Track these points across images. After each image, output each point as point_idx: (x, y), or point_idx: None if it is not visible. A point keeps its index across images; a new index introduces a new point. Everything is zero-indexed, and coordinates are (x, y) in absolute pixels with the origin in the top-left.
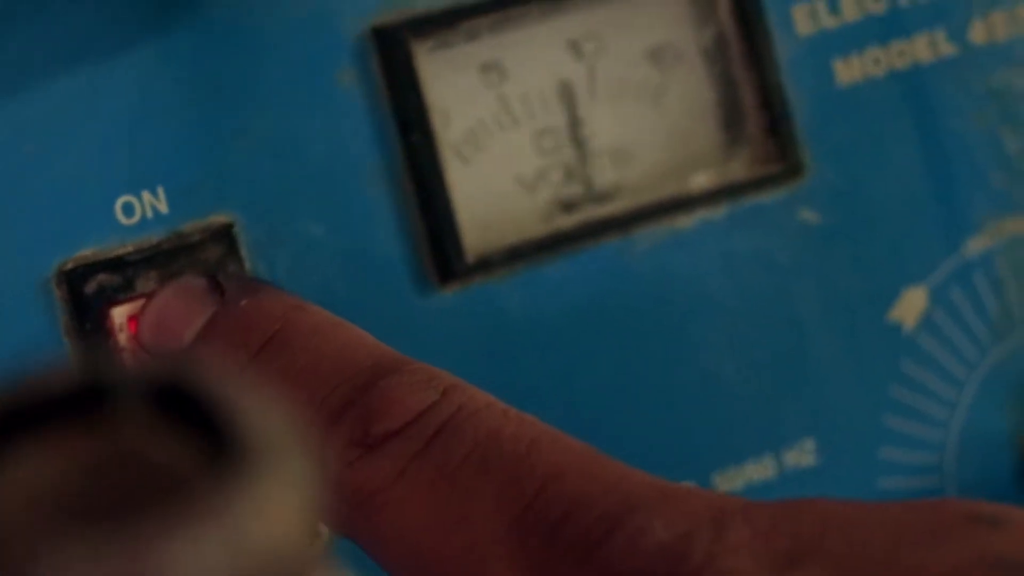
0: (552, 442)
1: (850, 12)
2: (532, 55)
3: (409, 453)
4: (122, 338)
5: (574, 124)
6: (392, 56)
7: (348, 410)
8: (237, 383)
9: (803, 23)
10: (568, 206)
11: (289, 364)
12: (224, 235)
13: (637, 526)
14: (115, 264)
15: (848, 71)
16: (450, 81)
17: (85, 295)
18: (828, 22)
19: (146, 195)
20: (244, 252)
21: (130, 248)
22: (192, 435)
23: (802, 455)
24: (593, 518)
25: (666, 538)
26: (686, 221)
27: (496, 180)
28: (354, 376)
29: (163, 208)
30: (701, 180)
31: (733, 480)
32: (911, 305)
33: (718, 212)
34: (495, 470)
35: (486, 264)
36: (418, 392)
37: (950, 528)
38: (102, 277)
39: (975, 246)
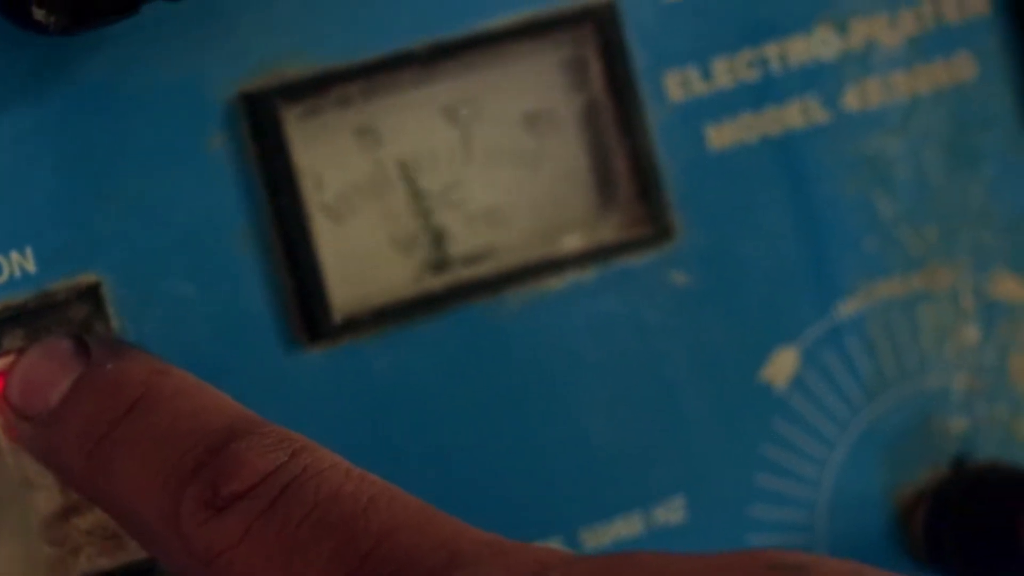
0: (389, 500)
1: (723, 79)
2: (407, 120)
3: (254, 513)
4: None
5: (448, 187)
6: (261, 121)
7: (200, 472)
8: None
9: (675, 90)
10: (439, 267)
11: (150, 427)
12: (91, 295)
13: None
14: None
15: (720, 137)
16: (324, 145)
17: None
18: (700, 88)
19: (14, 255)
20: (112, 311)
21: None
22: None
23: (671, 512)
24: (421, 574)
25: None
26: (556, 283)
27: (369, 241)
28: (208, 438)
29: (31, 267)
30: (572, 242)
31: (601, 536)
32: (782, 365)
33: (588, 274)
34: (333, 528)
35: (354, 324)
36: (268, 454)
37: None
38: None
39: (847, 308)
